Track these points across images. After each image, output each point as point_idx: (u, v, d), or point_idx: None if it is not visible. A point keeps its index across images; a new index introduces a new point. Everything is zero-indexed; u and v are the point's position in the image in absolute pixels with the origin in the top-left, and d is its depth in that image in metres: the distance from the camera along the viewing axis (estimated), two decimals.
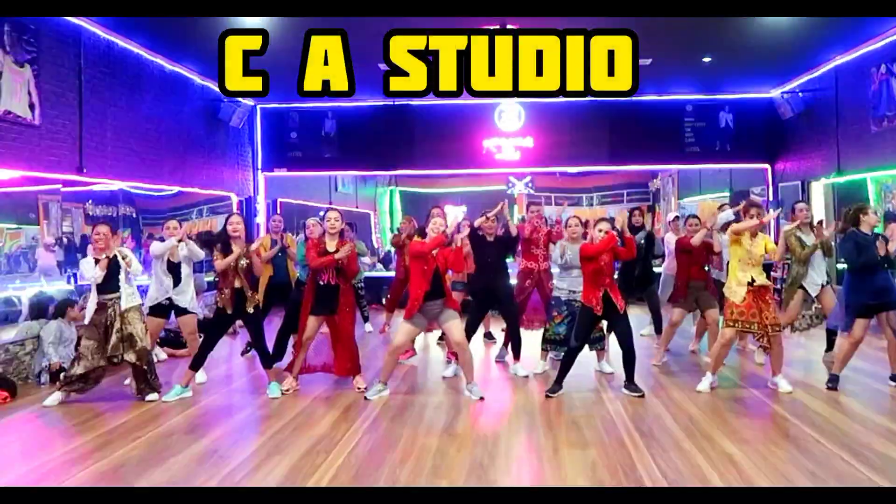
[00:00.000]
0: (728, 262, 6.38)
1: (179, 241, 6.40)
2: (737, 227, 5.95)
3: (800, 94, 11.76)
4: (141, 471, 4.23)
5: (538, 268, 7.11)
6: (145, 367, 5.94)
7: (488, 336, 8.57)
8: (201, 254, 6.64)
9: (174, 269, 6.52)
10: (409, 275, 7.25)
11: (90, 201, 8.59)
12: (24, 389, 6.40)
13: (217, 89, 11.65)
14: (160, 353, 7.75)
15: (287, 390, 6.14)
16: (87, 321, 6.02)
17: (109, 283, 5.94)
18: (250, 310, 6.06)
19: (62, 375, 6.09)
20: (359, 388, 6.16)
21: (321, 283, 6.12)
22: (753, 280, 5.85)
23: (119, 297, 5.94)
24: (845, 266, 6.10)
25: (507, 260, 7.00)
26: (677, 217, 9.22)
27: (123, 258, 5.97)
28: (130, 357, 5.91)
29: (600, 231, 5.87)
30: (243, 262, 5.99)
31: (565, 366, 6.00)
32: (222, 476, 4.16)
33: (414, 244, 5.98)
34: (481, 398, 5.86)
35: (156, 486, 4.00)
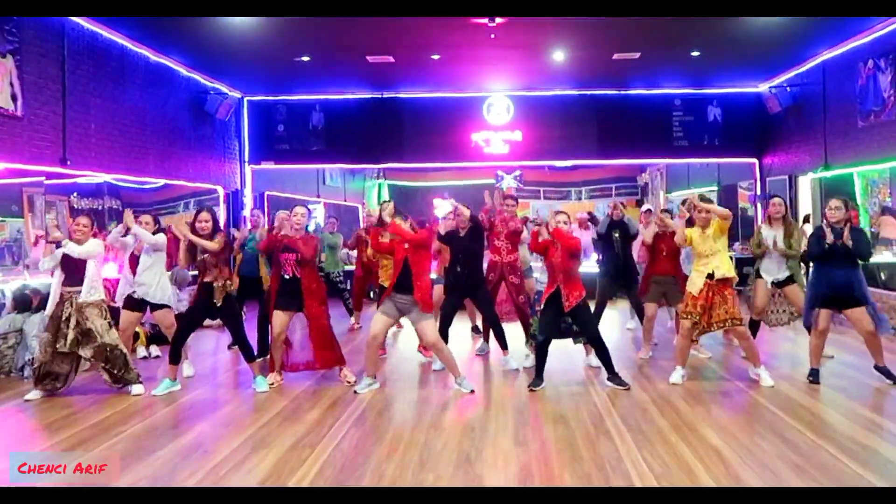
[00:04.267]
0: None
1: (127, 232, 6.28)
2: (678, 239, 6.25)
3: (787, 88, 11.79)
4: (124, 466, 4.19)
5: (501, 261, 7.08)
6: (103, 364, 5.84)
7: (475, 330, 8.54)
8: (153, 238, 6.36)
9: (135, 261, 6.40)
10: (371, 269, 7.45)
11: (75, 194, 8.49)
12: (7, 383, 6.34)
13: (204, 81, 11.64)
14: (154, 351, 7.69)
15: (272, 384, 6.10)
16: (48, 312, 5.91)
17: (70, 277, 5.84)
18: (217, 302, 5.96)
19: (35, 370, 5.94)
20: (347, 381, 6.13)
21: (286, 276, 6.07)
22: (713, 273, 5.86)
23: (78, 291, 5.82)
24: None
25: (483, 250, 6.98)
26: (650, 210, 9.15)
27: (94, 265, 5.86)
28: (86, 353, 5.81)
29: (559, 223, 5.95)
30: (213, 257, 5.91)
31: (539, 360, 6.02)
32: (207, 470, 4.12)
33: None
34: (472, 391, 5.85)
35: (139, 487, 3.96)
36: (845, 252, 5.78)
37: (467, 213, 6.66)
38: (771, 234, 6.72)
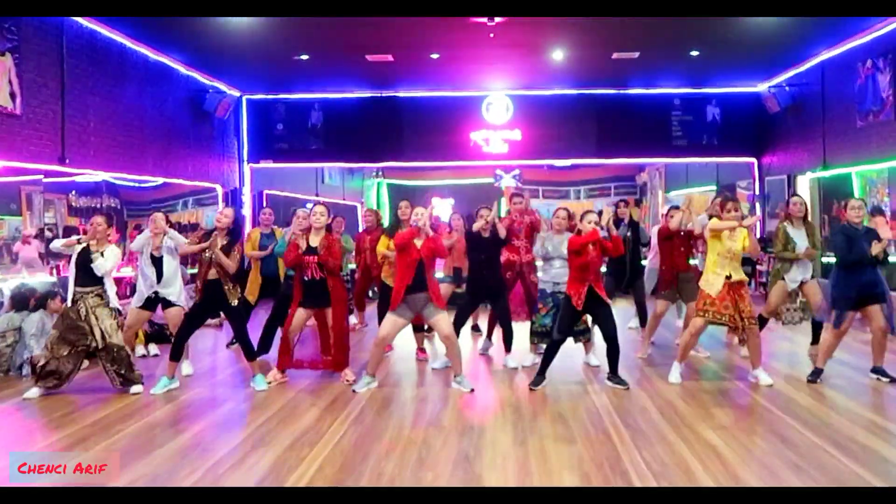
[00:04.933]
0: (706, 254, 6.37)
1: (157, 234, 6.33)
2: (715, 225, 5.91)
3: (786, 88, 11.81)
4: (124, 464, 4.18)
5: (520, 260, 7.09)
6: (109, 364, 5.85)
7: (475, 329, 8.56)
8: (183, 240, 6.48)
9: (157, 262, 6.40)
10: (371, 268, 7.48)
11: (73, 192, 8.48)
12: (5, 382, 6.33)
13: (202, 80, 11.63)
14: (152, 349, 7.68)
15: (271, 382, 6.10)
16: (69, 300, 5.93)
17: (84, 277, 5.85)
18: (233, 302, 6.01)
19: (36, 368, 5.94)
20: (347, 381, 6.13)
21: (306, 278, 6.10)
22: (731, 275, 5.87)
23: (91, 293, 5.85)
24: (833, 259, 6.10)
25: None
26: (676, 207, 9.19)
27: (101, 253, 5.87)
28: (101, 354, 5.85)
29: (589, 223, 5.84)
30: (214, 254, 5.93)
31: (547, 358, 6.01)
32: (206, 469, 4.12)
33: (396, 235, 5.99)
34: (471, 390, 5.86)
35: (139, 486, 3.95)
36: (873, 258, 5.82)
37: (503, 232, 6.63)
38: (798, 235, 6.71)
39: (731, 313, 5.85)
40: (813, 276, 6.79)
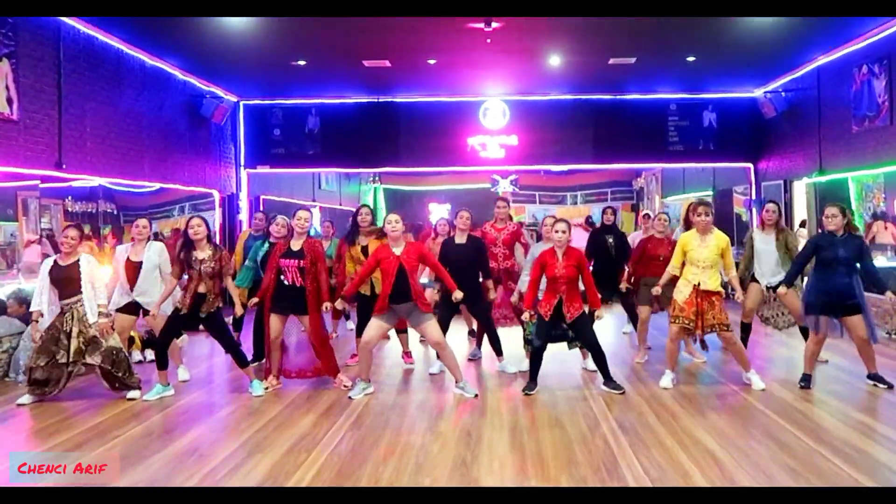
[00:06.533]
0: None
1: (140, 240, 6.40)
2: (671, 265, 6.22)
3: (782, 93, 11.84)
4: (120, 470, 4.17)
5: (498, 267, 7.10)
6: (110, 368, 5.84)
7: (472, 334, 8.53)
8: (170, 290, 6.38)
9: (132, 269, 6.35)
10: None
11: (69, 198, 8.47)
12: (3, 387, 6.33)
13: (199, 85, 11.63)
14: (148, 355, 7.66)
15: (268, 388, 6.09)
16: (46, 325, 5.86)
17: (65, 289, 5.83)
18: (202, 314, 5.92)
19: (28, 375, 5.92)
20: (344, 387, 6.12)
21: (286, 282, 6.04)
22: (699, 283, 5.90)
23: (78, 302, 5.82)
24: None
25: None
26: (648, 215, 9.21)
27: (77, 266, 5.84)
28: (96, 359, 5.81)
29: (557, 232, 5.88)
30: (208, 267, 5.86)
31: (534, 364, 6.03)
32: (203, 475, 4.11)
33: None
34: (475, 395, 5.85)
35: (136, 487, 3.95)
36: (846, 259, 5.79)
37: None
38: (766, 241, 6.76)
39: (700, 321, 5.91)
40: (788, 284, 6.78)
